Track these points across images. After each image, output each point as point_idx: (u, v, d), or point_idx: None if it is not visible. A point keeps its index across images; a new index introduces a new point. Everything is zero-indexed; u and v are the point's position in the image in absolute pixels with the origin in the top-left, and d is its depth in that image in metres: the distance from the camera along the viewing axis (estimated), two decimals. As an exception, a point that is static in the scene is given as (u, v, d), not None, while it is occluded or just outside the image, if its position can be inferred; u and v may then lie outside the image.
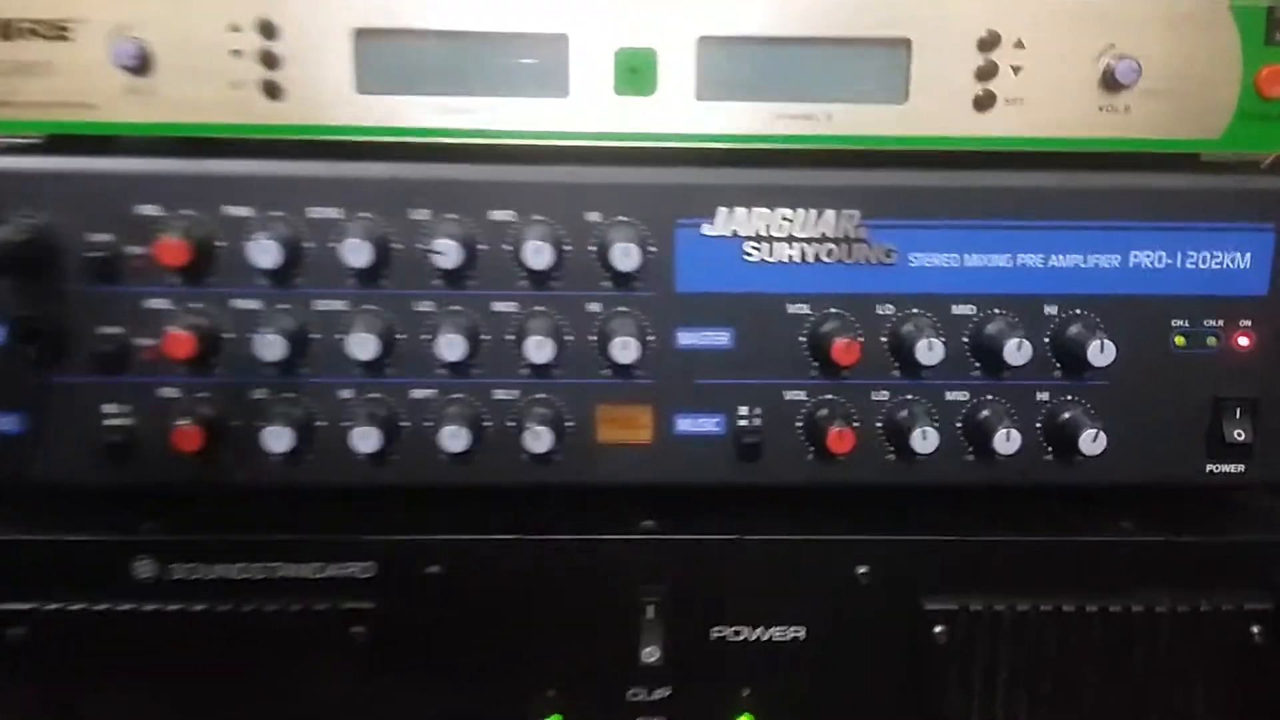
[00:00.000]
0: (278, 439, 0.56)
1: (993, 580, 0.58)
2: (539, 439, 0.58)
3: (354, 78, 0.55)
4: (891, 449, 0.61)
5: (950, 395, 0.61)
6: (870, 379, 0.60)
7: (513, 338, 0.58)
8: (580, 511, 0.60)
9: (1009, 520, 0.61)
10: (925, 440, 0.59)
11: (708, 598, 0.58)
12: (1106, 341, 0.57)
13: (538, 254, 0.56)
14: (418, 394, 0.59)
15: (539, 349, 0.57)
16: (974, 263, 0.59)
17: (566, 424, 0.59)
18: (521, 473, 0.59)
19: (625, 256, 0.56)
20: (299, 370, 0.57)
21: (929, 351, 0.57)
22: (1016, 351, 0.57)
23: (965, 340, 0.60)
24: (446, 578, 0.57)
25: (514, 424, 0.58)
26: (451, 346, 0.57)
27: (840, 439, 0.59)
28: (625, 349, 0.57)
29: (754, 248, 0.58)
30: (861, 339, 0.59)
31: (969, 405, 0.61)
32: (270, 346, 0.55)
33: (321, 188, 0.54)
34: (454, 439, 0.58)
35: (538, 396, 0.59)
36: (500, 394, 0.59)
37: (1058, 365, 0.60)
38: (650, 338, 0.59)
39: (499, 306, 0.58)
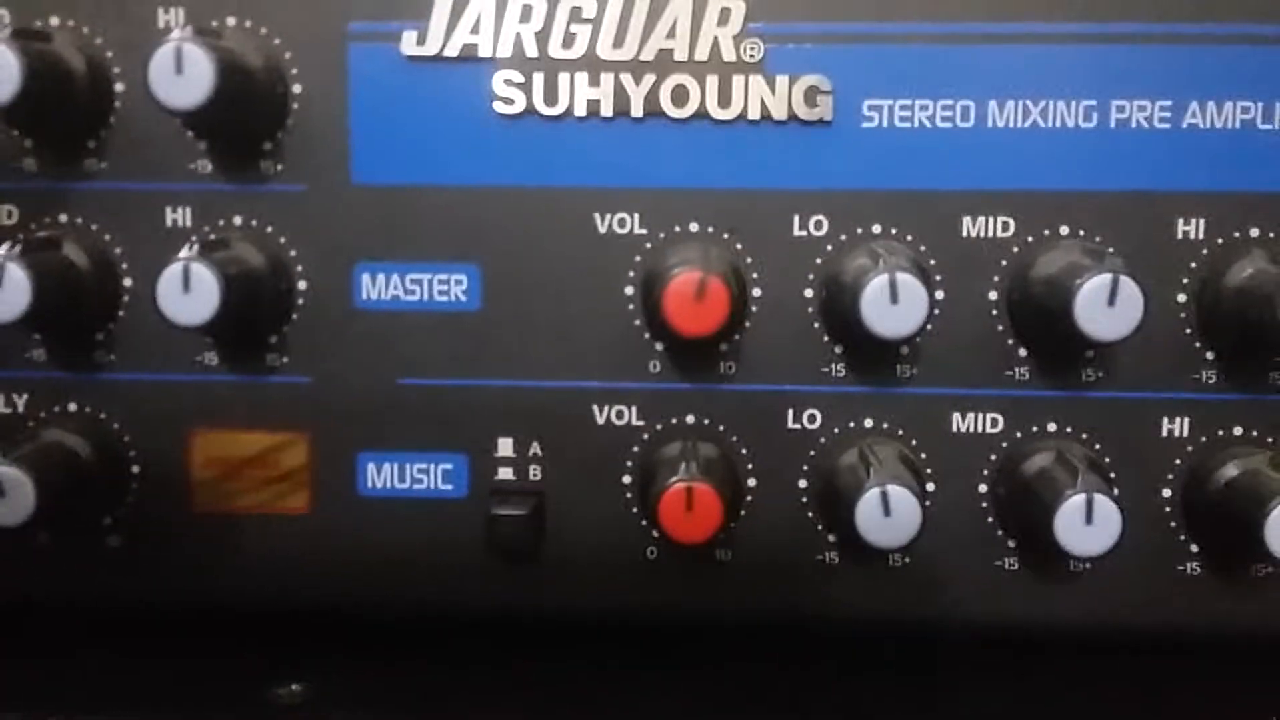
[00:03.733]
0: None
1: None
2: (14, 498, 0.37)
3: None
4: (820, 524, 0.40)
5: (959, 412, 0.39)
6: (764, 381, 0.39)
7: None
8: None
9: None
10: (892, 512, 0.36)
11: None
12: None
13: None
14: None
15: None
16: (1008, 120, 0.38)
17: (115, 472, 0.40)
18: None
19: (186, 85, 0.35)
20: None
21: (893, 307, 0.35)
22: (1106, 309, 0.35)
23: (997, 283, 0.39)
24: None
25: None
26: None
27: (693, 506, 0.36)
28: (198, 299, 0.35)
29: (513, 84, 0.39)
30: (755, 276, 0.38)
31: (1004, 432, 0.39)
32: None
33: None
34: None
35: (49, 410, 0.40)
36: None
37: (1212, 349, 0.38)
38: (302, 285, 0.39)
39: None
